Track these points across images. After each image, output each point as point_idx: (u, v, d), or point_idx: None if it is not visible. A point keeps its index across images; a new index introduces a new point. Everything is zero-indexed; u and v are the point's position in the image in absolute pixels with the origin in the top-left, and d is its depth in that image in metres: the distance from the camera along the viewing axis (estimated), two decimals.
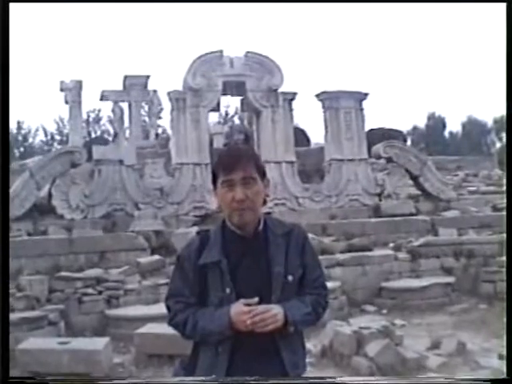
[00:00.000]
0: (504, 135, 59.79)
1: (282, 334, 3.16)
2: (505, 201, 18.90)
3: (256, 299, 3.05)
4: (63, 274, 12.31)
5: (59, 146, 38.56)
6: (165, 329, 8.94)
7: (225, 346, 3.14)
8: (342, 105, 18.91)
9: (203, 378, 3.12)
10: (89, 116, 51.71)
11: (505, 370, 5.81)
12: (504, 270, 13.49)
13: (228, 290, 3.13)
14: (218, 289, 3.16)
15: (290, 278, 3.22)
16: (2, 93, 4.25)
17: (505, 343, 5.30)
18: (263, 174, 3.28)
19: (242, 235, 3.24)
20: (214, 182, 3.25)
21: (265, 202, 3.31)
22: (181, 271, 3.30)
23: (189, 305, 3.23)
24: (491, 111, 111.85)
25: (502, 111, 77.82)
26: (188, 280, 3.24)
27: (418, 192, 19.47)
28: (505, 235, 14.81)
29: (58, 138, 53.24)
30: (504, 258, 13.93)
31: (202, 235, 3.33)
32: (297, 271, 3.26)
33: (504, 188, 22.20)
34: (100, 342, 8.94)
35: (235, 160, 3.18)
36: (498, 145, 59.95)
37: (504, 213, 17.69)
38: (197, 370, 3.23)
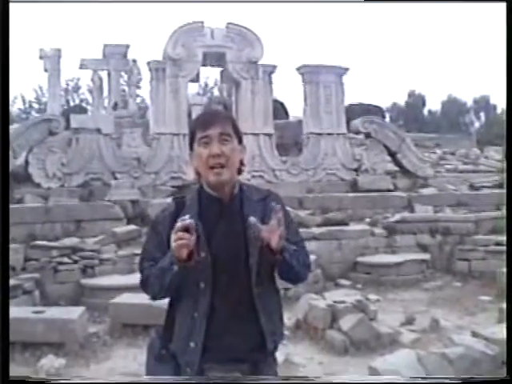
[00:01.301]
0: (482, 115, 60.19)
1: (260, 298, 3.17)
2: (482, 180, 19.07)
3: (187, 220, 2.94)
4: (39, 242, 12.25)
5: (37, 115, 38.22)
6: (140, 298, 8.97)
7: (200, 311, 3.12)
8: (321, 79, 18.85)
9: (202, 378, 3.11)
10: (68, 85, 51.14)
11: (478, 347, 5.88)
12: (480, 248, 13.65)
13: (203, 254, 3.10)
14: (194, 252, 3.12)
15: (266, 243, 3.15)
16: (2, 95, 4.21)
17: (505, 345, 5.35)
18: (240, 139, 3.29)
19: (219, 198, 3.23)
20: (191, 144, 3.26)
21: (240, 172, 3.30)
22: (154, 234, 3.32)
23: None
24: (471, 91, 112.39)
25: (482, 91, 78.17)
26: (161, 243, 3.21)
27: (396, 168, 19.51)
28: (481, 214, 14.99)
29: (36, 106, 52.63)
30: (480, 236, 14.10)
31: (177, 200, 3.33)
32: None
33: (481, 167, 22.37)
34: (75, 312, 8.93)
35: (212, 117, 3.24)
36: (477, 124, 60.27)
37: (481, 192, 17.86)
38: (174, 338, 3.23)
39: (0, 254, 4.10)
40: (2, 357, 3.51)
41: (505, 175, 17.85)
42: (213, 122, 3.17)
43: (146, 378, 3.33)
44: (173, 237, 2.95)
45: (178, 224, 2.93)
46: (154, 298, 3.30)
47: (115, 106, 26.97)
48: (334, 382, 3.30)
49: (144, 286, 3.29)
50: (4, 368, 3.43)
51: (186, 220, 2.94)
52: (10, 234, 12.20)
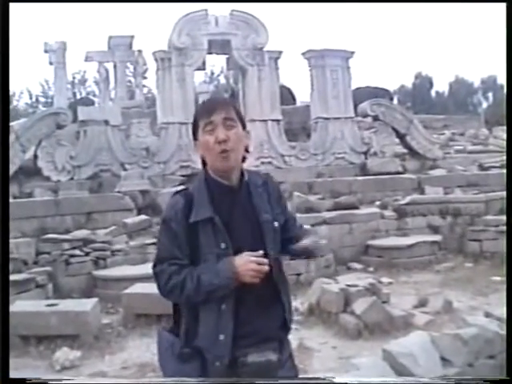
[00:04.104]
0: (490, 95, 59.95)
1: (282, 280, 3.29)
2: (491, 160, 19.00)
3: (261, 252, 3.07)
4: (50, 235, 12.27)
5: (44, 109, 38.27)
6: (152, 288, 8.93)
7: (228, 303, 3.12)
8: (328, 63, 18.81)
9: (203, 379, 3.10)
10: (74, 77, 51.24)
11: (491, 327, 5.87)
12: (491, 229, 13.62)
13: (223, 245, 3.11)
14: (212, 245, 3.12)
15: (276, 224, 3.27)
16: (2, 95, 4.21)
17: (506, 344, 5.36)
18: (243, 124, 3.28)
19: (229, 186, 3.22)
20: (195, 134, 3.25)
21: (243, 159, 3.29)
22: (169, 232, 3.20)
23: (183, 266, 3.15)
24: (478, 71, 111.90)
25: (489, 72, 77.83)
26: (178, 241, 3.16)
27: (405, 150, 19.50)
28: (491, 194, 14.92)
29: (42, 100, 52.72)
30: (490, 217, 14.07)
31: (183, 193, 3.26)
32: (280, 218, 3.33)
33: (490, 147, 22.28)
34: (88, 303, 8.95)
35: (215, 103, 3.25)
36: (485, 104, 60.06)
37: (491, 172, 17.81)
38: (200, 334, 3.18)
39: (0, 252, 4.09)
40: (2, 357, 3.51)
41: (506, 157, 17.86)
42: (216, 108, 3.16)
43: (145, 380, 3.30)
44: (244, 259, 3.04)
45: (255, 254, 3.05)
46: (179, 299, 3.25)
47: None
48: (341, 382, 3.31)
49: (170, 293, 3.21)
50: (4, 368, 3.43)
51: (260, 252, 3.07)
52: (19, 229, 12.28)
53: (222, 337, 3.10)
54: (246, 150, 3.31)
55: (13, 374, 3.56)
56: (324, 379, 3.48)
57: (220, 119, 3.13)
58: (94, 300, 9.23)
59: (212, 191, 3.21)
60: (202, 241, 3.15)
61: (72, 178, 15.99)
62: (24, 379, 2.50)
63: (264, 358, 3.15)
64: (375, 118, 19.05)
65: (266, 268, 3.03)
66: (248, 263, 3.01)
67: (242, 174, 3.29)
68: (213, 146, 3.13)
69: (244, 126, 3.28)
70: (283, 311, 3.28)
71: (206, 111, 3.18)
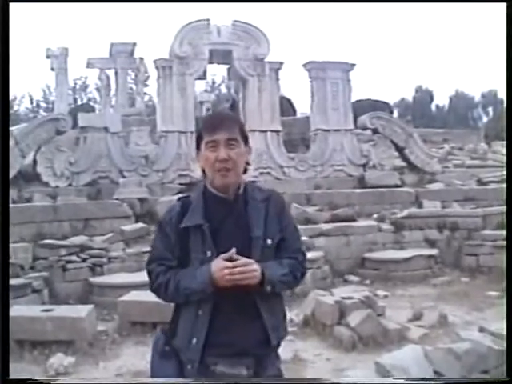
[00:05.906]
0: (490, 109, 60.00)
1: (262, 296, 3.22)
2: (490, 174, 19.00)
3: (233, 250, 3.08)
4: (47, 241, 12.27)
5: (45, 114, 38.21)
6: (148, 296, 8.95)
7: (205, 309, 3.18)
8: (328, 75, 18.85)
9: (197, 379, 3.15)
10: (75, 83, 51.34)
11: (485, 342, 5.88)
12: (488, 243, 13.62)
13: (209, 253, 3.17)
14: (199, 251, 3.21)
15: (268, 241, 3.28)
16: (2, 94, 4.23)
17: (505, 343, 5.37)
18: (246, 140, 3.33)
19: (224, 198, 3.28)
20: (198, 145, 3.31)
21: (245, 171, 3.35)
22: (163, 235, 3.36)
23: (171, 268, 3.27)
24: (479, 86, 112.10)
25: (490, 86, 78.00)
26: (170, 244, 3.30)
27: (403, 164, 19.52)
28: (489, 209, 14.92)
29: (43, 105, 52.77)
30: (488, 231, 14.07)
31: (183, 200, 3.38)
32: (276, 236, 3.32)
33: (489, 162, 22.29)
34: (84, 310, 8.96)
35: (220, 121, 3.27)
36: (485, 119, 60.12)
37: (489, 186, 17.80)
38: (178, 334, 3.29)
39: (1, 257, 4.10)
40: (1, 357, 3.52)
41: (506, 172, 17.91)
42: (220, 127, 3.20)
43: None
44: (219, 265, 3.07)
45: (224, 256, 3.08)
46: (165, 299, 3.37)
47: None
48: (340, 382, 3.34)
49: (157, 291, 3.36)
50: (4, 368, 3.43)
51: (232, 251, 3.09)
52: (17, 233, 12.26)
53: (194, 341, 3.18)
54: (247, 163, 3.36)
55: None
56: (327, 379, 3.50)
57: (223, 139, 3.19)
58: (90, 306, 9.24)
59: (207, 200, 3.30)
60: (191, 246, 3.25)
61: (70, 184, 16.00)
62: (24, 379, 2.51)
63: (233, 372, 3.18)
64: (374, 131, 19.08)
65: (236, 270, 3.03)
66: (221, 268, 3.05)
67: (239, 187, 3.33)
68: (213, 163, 3.20)
69: (246, 142, 3.34)
70: (264, 328, 3.24)
71: (209, 128, 3.23)
